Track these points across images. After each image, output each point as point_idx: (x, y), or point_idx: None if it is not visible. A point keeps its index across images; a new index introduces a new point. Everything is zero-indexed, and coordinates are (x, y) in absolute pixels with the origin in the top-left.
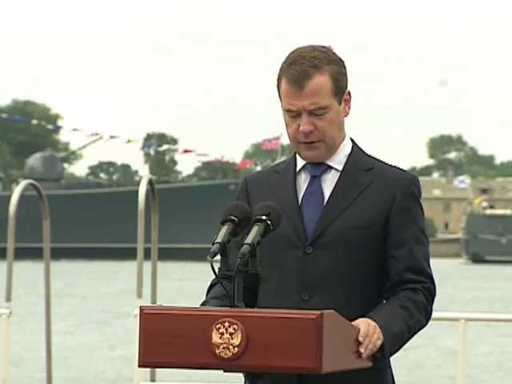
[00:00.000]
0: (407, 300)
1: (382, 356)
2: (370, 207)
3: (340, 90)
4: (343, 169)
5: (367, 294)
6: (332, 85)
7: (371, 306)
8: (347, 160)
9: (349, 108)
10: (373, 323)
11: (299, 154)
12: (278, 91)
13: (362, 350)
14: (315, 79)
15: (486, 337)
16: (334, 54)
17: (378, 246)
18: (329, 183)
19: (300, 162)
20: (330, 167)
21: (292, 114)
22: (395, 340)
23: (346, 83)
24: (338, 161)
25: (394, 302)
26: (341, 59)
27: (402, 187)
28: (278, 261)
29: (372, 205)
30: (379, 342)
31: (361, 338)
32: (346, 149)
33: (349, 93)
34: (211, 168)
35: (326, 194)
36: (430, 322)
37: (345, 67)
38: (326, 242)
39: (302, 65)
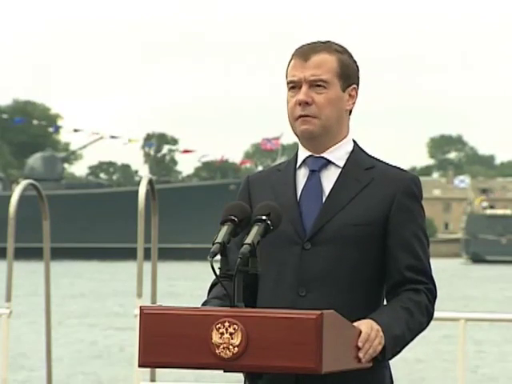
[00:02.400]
0: (409, 301)
1: (383, 358)
2: (370, 205)
3: (346, 77)
4: (344, 166)
5: (366, 291)
6: (338, 67)
7: (370, 303)
8: (348, 157)
9: (353, 104)
10: (376, 326)
11: (296, 134)
12: (286, 73)
13: (361, 355)
14: (321, 55)
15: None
16: (348, 51)
17: (377, 244)
18: (329, 179)
19: (301, 157)
20: (330, 162)
21: (293, 86)
22: (397, 342)
23: (355, 80)
24: (339, 157)
25: (396, 303)
26: (355, 60)
27: (403, 186)
28: (276, 257)
29: (372, 203)
30: (380, 347)
31: (360, 344)
32: (347, 147)
33: (355, 90)
34: (211, 168)
35: (326, 190)
36: (430, 322)
37: (357, 68)
38: (324, 238)
39: (312, 44)
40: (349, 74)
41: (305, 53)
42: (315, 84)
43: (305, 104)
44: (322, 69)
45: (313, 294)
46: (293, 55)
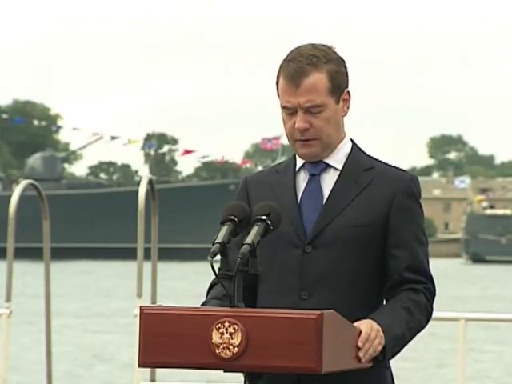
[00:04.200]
0: (408, 301)
1: (383, 358)
2: (370, 206)
3: (338, 88)
4: (343, 168)
5: (367, 292)
6: (329, 83)
7: (371, 304)
8: (347, 159)
9: (347, 108)
10: (376, 326)
11: (296, 152)
12: (277, 88)
13: (361, 355)
14: (311, 77)
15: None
16: (334, 52)
17: (378, 245)
18: (328, 182)
19: (299, 161)
20: (329, 166)
21: (288, 112)
22: (397, 342)
23: (346, 83)
24: (338, 160)
25: (396, 302)
26: (341, 59)
27: (402, 187)
28: (277, 260)
29: (371, 204)
30: (380, 347)
31: (360, 344)
32: (345, 148)
33: (348, 92)
34: (211, 168)
35: (326, 193)
36: (430, 322)
37: (345, 67)
38: (325, 240)
39: (299, 62)
40: (339, 84)
41: (294, 77)
42: (311, 108)
43: (304, 130)
44: (316, 93)
45: (315, 296)
46: (281, 72)
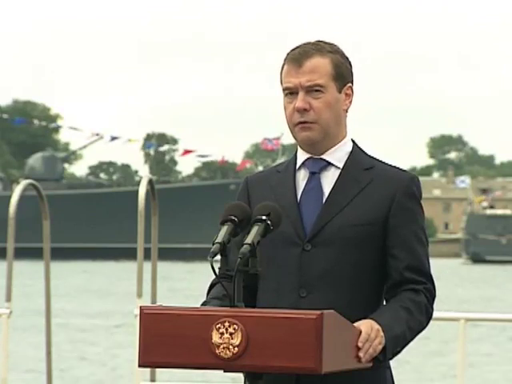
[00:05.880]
0: (409, 301)
1: (383, 358)
2: (370, 206)
3: (341, 77)
4: (343, 166)
5: (366, 291)
6: (332, 69)
7: (370, 303)
8: (348, 158)
9: (350, 103)
10: (376, 326)
11: (296, 139)
12: (281, 77)
13: (361, 354)
14: (315, 59)
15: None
16: (339, 49)
17: (378, 244)
18: (329, 180)
19: (300, 159)
20: (330, 164)
21: (289, 92)
22: (397, 342)
23: (350, 78)
24: (338, 158)
25: (396, 302)
26: (347, 57)
27: (402, 187)
28: (277, 258)
29: (371, 203)
30: (380, 347)
31: (360, 344)
32: (346, 147)
33: (351, 88)
34: (211, 168)
35: (326, 191)
36: (430, 322)
37: (350, 65)
38: (324, 239)
39: (304, 47)
40: (343, 74)
41: (297, 58)
42: (311, 89)
43: (303, 111)
44: (317, 73)
45: (313, 295)
46: (285, 60)
